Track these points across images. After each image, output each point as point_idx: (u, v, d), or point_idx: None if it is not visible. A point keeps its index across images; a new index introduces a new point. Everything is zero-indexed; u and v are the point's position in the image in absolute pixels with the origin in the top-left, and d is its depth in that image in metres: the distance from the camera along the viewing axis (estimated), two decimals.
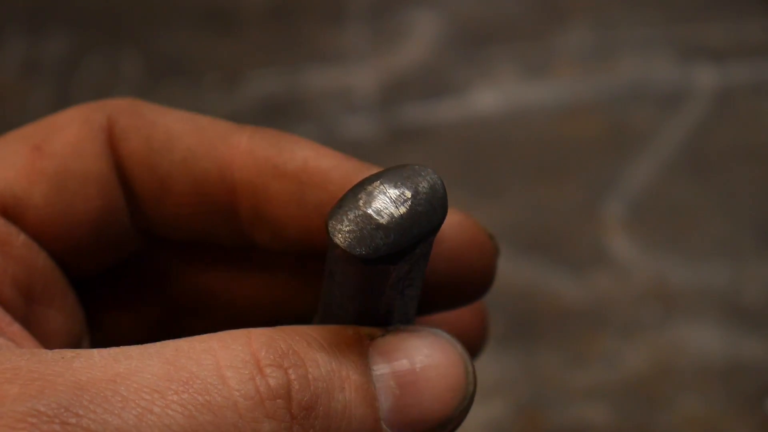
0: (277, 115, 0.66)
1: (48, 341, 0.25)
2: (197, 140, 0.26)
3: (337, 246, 0.21)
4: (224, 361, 0.20)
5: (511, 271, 0.57)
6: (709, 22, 0.70)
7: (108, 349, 0.21)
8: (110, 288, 0.29)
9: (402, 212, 0.21)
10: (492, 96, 0.67)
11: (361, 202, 0.22)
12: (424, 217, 0.22)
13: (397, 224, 0.21)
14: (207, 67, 0.69)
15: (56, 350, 0.21)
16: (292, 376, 0.21)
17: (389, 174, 0.22)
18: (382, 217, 0.21)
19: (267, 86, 0.68)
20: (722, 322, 0.55)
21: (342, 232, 0.21)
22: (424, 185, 0.22)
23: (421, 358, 0.23)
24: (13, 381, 0.19)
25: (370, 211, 0.21)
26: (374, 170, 0.25)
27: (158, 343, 0.21)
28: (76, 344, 0.27)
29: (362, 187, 0.22)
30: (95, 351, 0.20)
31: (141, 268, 0.29)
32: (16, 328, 0.23)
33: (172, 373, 0.20)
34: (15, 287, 0.24)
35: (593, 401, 0.52)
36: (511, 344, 0.54)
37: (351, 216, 0.21)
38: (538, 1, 0.73)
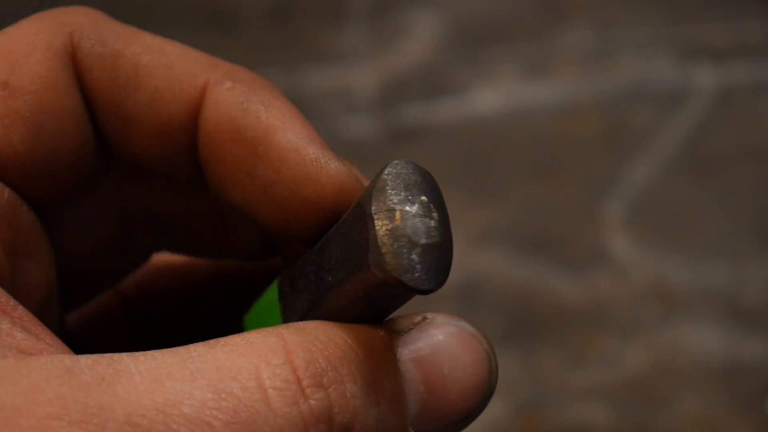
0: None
1: (29, 295, 0.24)
2: (165, 80, 0.24)
3: (399, 282, 0.21)
4: (268, 382, 0.20)
5: (511, 271, 0.57)
6: (709, 22, 0.70)
7: (143, 359, 0.20)
8: (72, 213, 0.27)
9: (430, 242, 0.21)
10: (492, 96, 0.67)
11: (396, 215, 0.21)
12: (445, 240, 0.21)
13: (427, 250, 0.21)
14: None
15: (89, 364, 0.20)
16: (333, 396, 0.21)
17: (400, 183, 0.22)
18: (417, 236, 0.21)
19: None
20: (722, 322, 0.55)
21: (411, 268, 0.21)
22: (434, 195, 0.22)
23: (449, 358, 0.23)
24: (62, 417, 0.18)
25: (407, 231, 0.21)
26: (330, 162, 0.24)
27: (195, 354, 0.20)
28: (51, 291, 0.25)
29: (387, 194, 0.21)
30: (131, 363, 0.20)
31: (100, 190, 0.28)
32: (20, 311, 0.21)
33: (219, 401, 0.19)
34: (2, 249, 0.23)
35: (593, 401, 0.52)
36: (511, 344, 0.54)
37: (396, 236, 0.21)
38: (538, 0, 0.73)
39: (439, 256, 0.21)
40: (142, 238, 0.29)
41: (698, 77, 0.67)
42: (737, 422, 0.51)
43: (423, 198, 0.22)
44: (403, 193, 0.22)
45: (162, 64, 0.24)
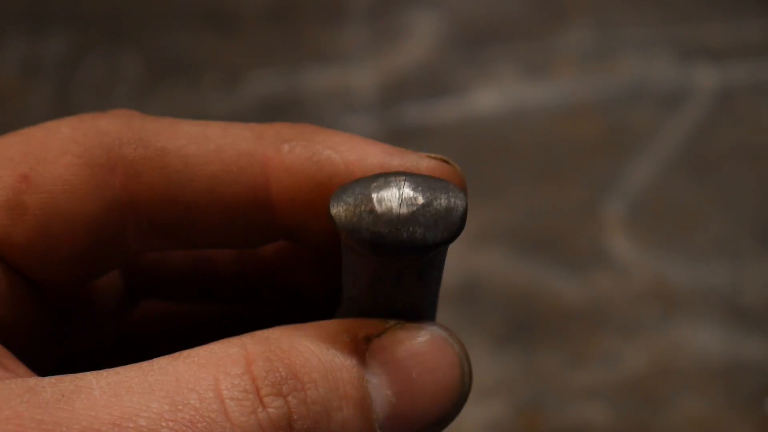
0: (277, 115, 0.66)
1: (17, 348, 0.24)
2: (220, 165, 0.24)
3: (329, 210, 0.21)
4: (226, 392, 0.20)
5: (512, 271, 0.57)
6: (709, 22, 0.70)
7: (106, 375, 0.20)
8: (80, 300, 0.28)
9: (401, 212, 0.21)
10: (492, 96, 0.67)
11: (373, 185, 0.22)
12: (422, 229, 0.21)
13: (389, 220, 0.21)
14: (207, 67, 0.69)
15: (52, 382, 0.20)
16: (292, 404, 0.21)
17: (418, 177, 0.22)
18: (380, 206, 0.21)
19: (267, 86, 0.68)
20: (722, 322, 0.55)
21: (340, 200, 0.21)
22: (441, 202, 0.22)
23: (417, 362, 0.23)
24: None
25: (374, 194, 0.21)
26: (420, 162, 0.24)
27: (156, 367, 0.21)
28: (42, 357, 0.26)
29: (387, 175, 0.22)
30: (93, 380, 0.20)
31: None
32: None
33: (175, 413, 0.20)
34: None
35: (593, 401, 0.52)
36: (511, 344, 0.54)
37: (357, 191, 0.21)
38: (539, 0, 0.73)
39: (377, 216, 0.21)
40: (132, 287, 0.29)
41: (698, 77, 0.67)
42: (737, 422, 0.51)
43: (422, 195, 0.22)
44: (413, 183, 0.22)
45: (211, 150, 0.24)
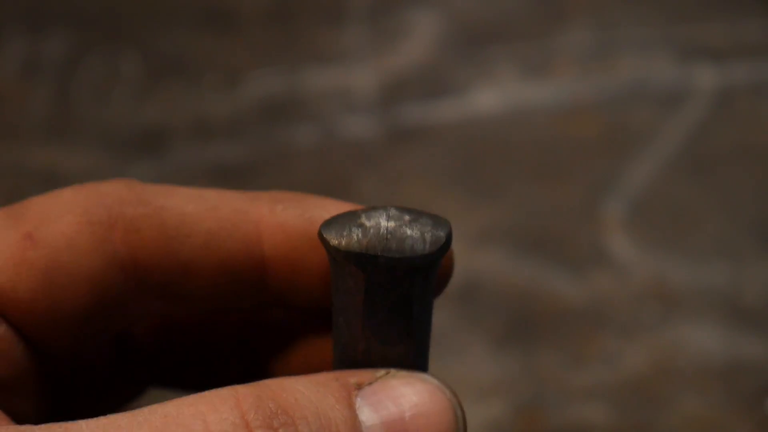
0: (277, 115, 0.66)
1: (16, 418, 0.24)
2: (215, 222, 0.25)
3: (319, 233, 0.22)
4: (214, 426, 0.20)
5: (511, 271, 0.57)
6: (709, 22, 0.70)
7: (98, 420, 0.20)
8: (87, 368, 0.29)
9: (389, 225, 0.22)
10: (492, 96, 0.67)
11: (360, 211, 0.22)
12: (410, 241, 0.22)
13: (377, 233, 0.22)
14: (207, 67, 0.69)
15: (45, 428, 0.20)
16: None
17: (404, 208, 0.22)
18: (369, 221, 0.22)
19: (267, 86, 0.69)
20: (722, 322, 0.55)
21: (329, 224, 0.22)
22: (427, 220, 0.22)
23: (410, 407, 0.23)
24: None
25: (362, 215, 0.22)
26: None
27: (146, 409, 0.21)
28: (38, 418, 0.26)
29: (376, 207, 0.22)
30: (83, 424, 0.20)
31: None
32: None
33: None
34: None
35: (593, 401, 0.52)
36: (511, 344, 0.54)
37: (345, 216, 0.22)
38: (538, 1, 0.73)
39: (366, 228, 0.22)
40: (137, 373, 0.30)
41: (698, 77, 0.67)
42: (737, 422, 0.51)
43: (407, 214, 0.22)
44: (399, 210, 0.22)
45: (207, 208, 0.25)
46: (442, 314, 0.54)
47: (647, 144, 0.63)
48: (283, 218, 0.25)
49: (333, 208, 0.25)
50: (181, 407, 0.21)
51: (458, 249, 0.58)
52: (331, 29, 0.72)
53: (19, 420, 0.24)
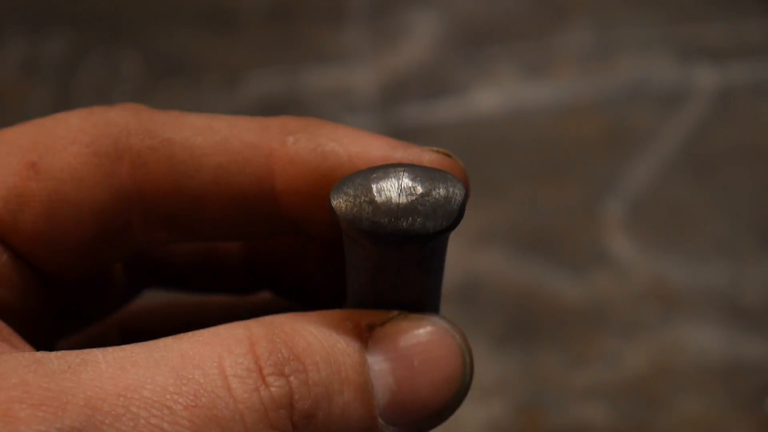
0: (276, 115, 0.66)
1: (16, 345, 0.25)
2: (225, 156, 0.24)
3: (329, 202, 0.22)
4: (229, 370, 0.21)
5: (511, 271, 0.57)
6: (709, 22, 0.70)
7: (112, 351, 0.21)
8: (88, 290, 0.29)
9: (400, 202, 0.21)
10: (492, 96, 0.67)
11: (373, 176, 0.22)
12: (422, 218, 0.21)
13: (388, 210, 0.21)
14: (207, 67, 0.69)
15: (60, 355, 0.20)
16: (294, 384, 0.21)
17: (417, 168, 0.22)
18: (380, 196, 0.21)
19: (267, 86, 0.69)
20: (722, 322, 0.55)
21: (340, 191, 0.22)
22: (440, 192, 0.22)
23: (419, 351, 0.23)
24: (24, 401, 0.19)
25: (373, 185, 0.22)
26: (423, 155, 0.25)
27: (162, 345, 0.21)
28: (45, 345, 0.26)
29: (387, 167, 0.22)
30: (99, 354, 0.20)
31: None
32: (1, 325, 0.22)
33: (180, 386, 0.20)
34: None
35: (593, 401, 0.52)
36: (511, 344, 0.54)
37: (357, 182, 0.22)
38: (538, 0, 0.73)
39: (376, 206, 0.21)
40: (136, 276, 0.30)
41: (698, 77, 0.67)
42: (737, 422, 0.51)
43: (420, 185, 0.22)
44: (411, 174, 0.22)
45: (216, 141, 0.25)
46: (443, 314, 0.53)
47: (647, 144, 0.63)
48: (294, 152, 0.24)
49: (347, 139, 0.25)
50: (197, 346, 0.21)
51: (458, 249, 0.58)
52: (331, 29, 0.72)
53: (29, 342, 0.24)
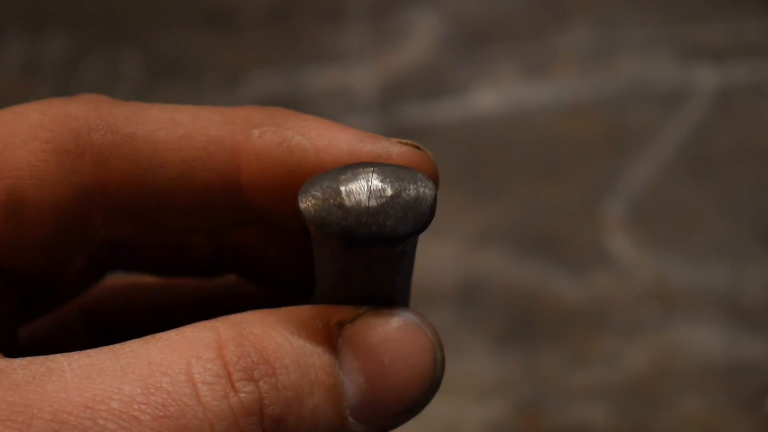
0: None
1: None
2: (189, 151, 0.24)
3: (297, 205, 0.21)
4: (198, 377, 0.20)
5: (511, 271, 0.57)
6: (709, 22, 0.70)
7: (77, 357, 0.20)
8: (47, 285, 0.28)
9: (370, 205, 0.21)
10: (492, 96, 0.67)
11: (341, 177, 0.21)
12: (392, 221, 0.21)
13: (358, 213, 0.21)
14: (207, 67, 0.69)
15: (23, 364, 0.20)
16: (263, 388, 0.21)
17: (387, 167, 0.22)
18: (349, 199, 0.21)
19: (267, 86, 0.68)
20: (722, 322, 0.55)
21: (308, 194, 0.21)
22: (410, 192, 0.22)
23: (389, 348, 0.23)
24: None
25: (342, 188, 0.21)
26: (391, 148, 0.24)
27: (128, 350, 0.21)
28: (7, 336, 0.26)
29: (355, 166, 0.22)
30: (64, 362, 0.20)
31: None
32: None
33: (147, 395, 0.20)
34: None
35: (593, 401, 0.52)
36: (511, 344, 0.54)
37: (325, 184, 0.21)
38: (538, 0, 0.73)
39: (345, 210, 0.21)
40: (99, 260, 0.29)
41: (698, 77, 0.67)
42: (737, 422, 0.51)
43: (390, 187, 0.21)
44: (381, 174, 0.22)
45: (180, 136, 0.24)
46: (443, 314, 0.54)
47: (647, 144, 0.63)
48: (260, 147, 0.24)
49: (314, 132, 0.24)
50: (164, 352, 0.21)
51: (458, 249, 0.58)
52: (331, 29, 0.72)
53: None
